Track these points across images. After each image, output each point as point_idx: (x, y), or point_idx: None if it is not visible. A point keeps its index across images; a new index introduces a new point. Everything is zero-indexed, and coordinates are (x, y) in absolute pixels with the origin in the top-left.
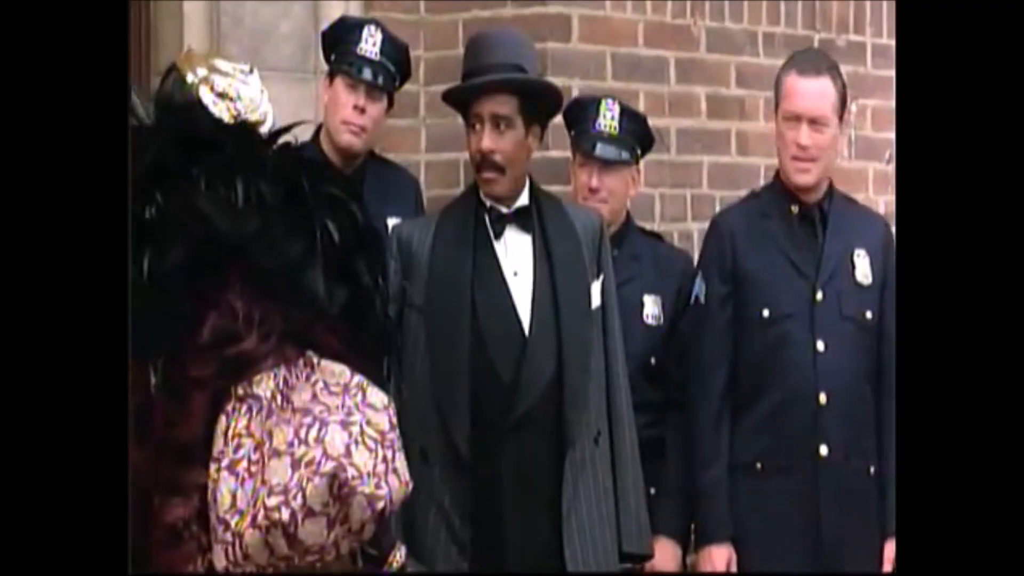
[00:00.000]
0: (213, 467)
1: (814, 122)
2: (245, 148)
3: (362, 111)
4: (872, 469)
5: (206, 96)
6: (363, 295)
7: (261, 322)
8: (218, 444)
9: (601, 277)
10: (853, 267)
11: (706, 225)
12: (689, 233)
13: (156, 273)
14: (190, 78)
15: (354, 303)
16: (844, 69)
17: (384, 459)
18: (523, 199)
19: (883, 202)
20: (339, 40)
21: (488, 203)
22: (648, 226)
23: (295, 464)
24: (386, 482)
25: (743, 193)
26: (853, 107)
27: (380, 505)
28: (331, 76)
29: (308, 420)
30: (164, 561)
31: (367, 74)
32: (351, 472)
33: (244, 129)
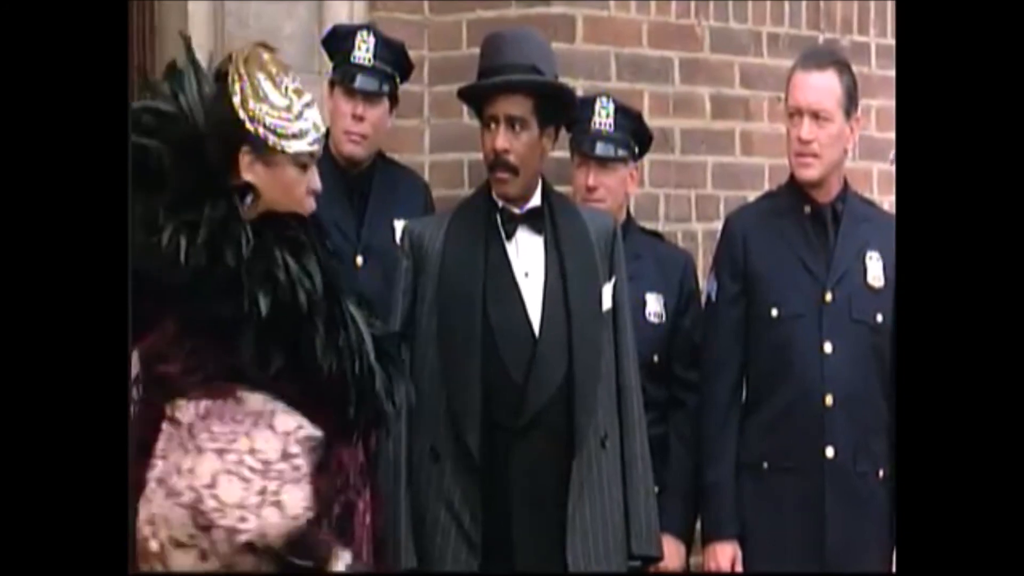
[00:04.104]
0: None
1: (816, 116)
2: (186, 198)
3: (360, 119)
4: (881, 473)
5: (240, 112)
6: (308, 359)
7: (191, 354)
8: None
9: (613, 279)
10: (865, 269)
11: (710, 225)
12: (693, 233)
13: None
14: (236, 90)
15: (295, 366)
16: None
17: (261, 491)
18: (535, 200)
19: (887, 203)
20: (334, 49)
21: (500, 203)
22: (652, 226)
23: (166, 493)
24: (256, 515)
25: (747, 193)
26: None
27: (242, 539)
28: (331, 86)
29: (190, 447)
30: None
31: (361, 82)
32: (212, 504)
33: (197, 176)
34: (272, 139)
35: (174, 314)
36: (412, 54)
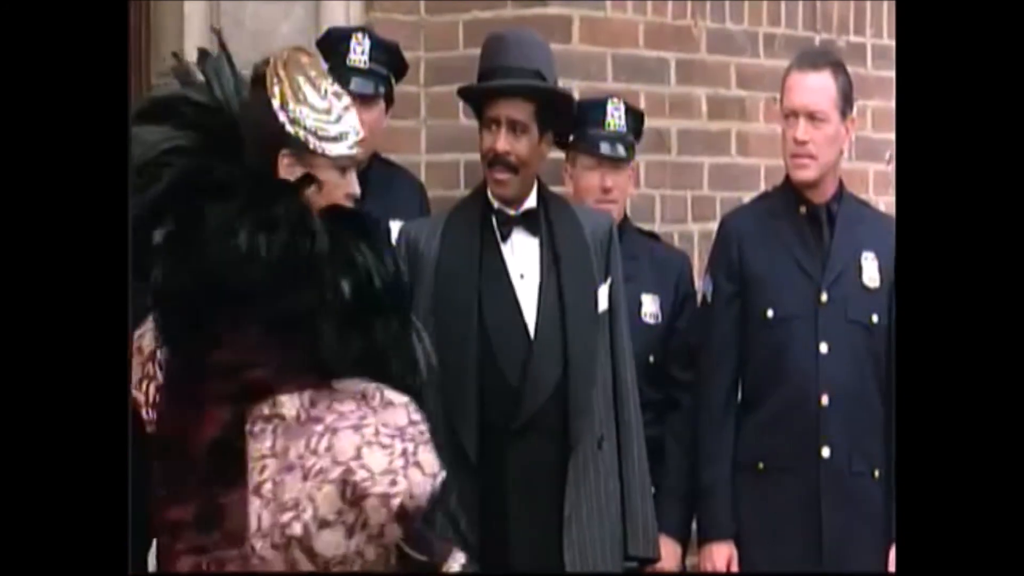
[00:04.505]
0: (247, 492)
1: (812, 117)
2: (257, 198)
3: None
4: (877, 472)
5: (280, 115)
6: (378, 351)
7: (278, 354)
8: (248, 468)
9: (609, 280)
10: (860, 270)
11: (707, 226)
12: (690, 234)
13: (166, 292)
14: (275, 92)
15: (369, 357)
16: None
17: (403, 453)
18: (531, 201)
19: (883, 203)
20: (330, 52)
21: (495, 205)
22: (648, 227)
23: (305, 476)
24: (404, 477)
25: (744, 194)
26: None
27: (396, 502)
28: None
29: (319, 429)
30: (161, 553)
31: (357, 85)
32: (361, 474)
33: (261, 176)
34: (313, 142)
35: (254, 319)
36: (408, 55)
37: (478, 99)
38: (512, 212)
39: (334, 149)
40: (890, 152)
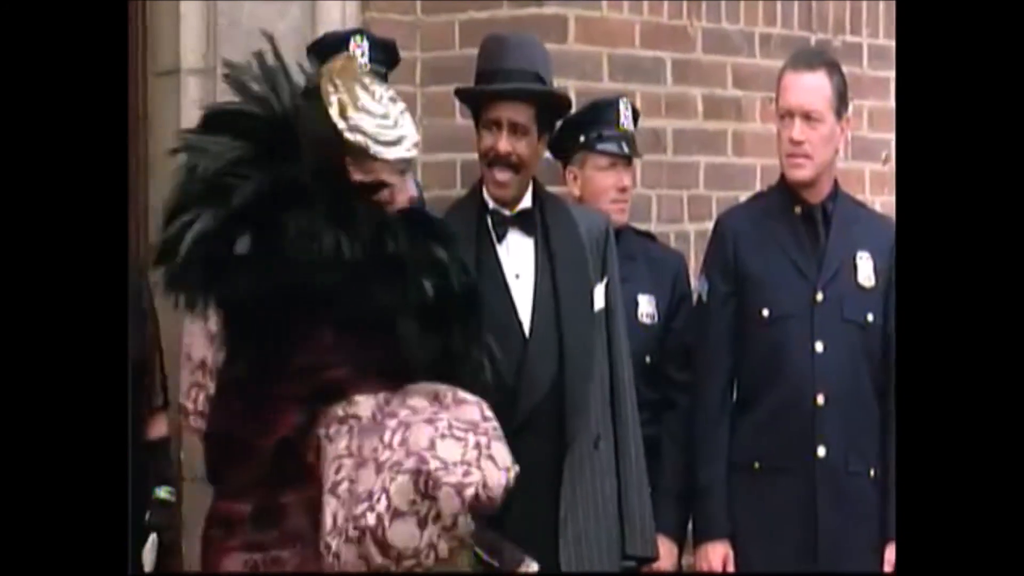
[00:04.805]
0: (315, 492)
1: (807, 117)
2: (334, 202)
3: None
4: (873, 472)
5: (340, 123)
6: (452, 353)
7: (355, 354)
8: (324, 470)
9: (605, 279)
10: (855, 269)
11: (702, 226)
12: (686, 234)
13: (238, 299)
14: (332, 100)
15: (444, 358)
16: None
17: (476, 446)
18: (526, 202)
19: (879, 203)
20: (327, 55)
21: (491, 205)
22: (644, 227)
23: (379, 468)
24: (477, 468)
25: (739, 194)
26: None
27: (470, 492)
28: None
29: (393, 424)
30: (209, 546)
31: None
32: (435, 464)
33: (337, 180)
34: (372, 147)
35: (332, 321)
36: (404, 55)
37: (477, 101)
38: (508, 212)
39: (393, 153)
40: (886, 152)
